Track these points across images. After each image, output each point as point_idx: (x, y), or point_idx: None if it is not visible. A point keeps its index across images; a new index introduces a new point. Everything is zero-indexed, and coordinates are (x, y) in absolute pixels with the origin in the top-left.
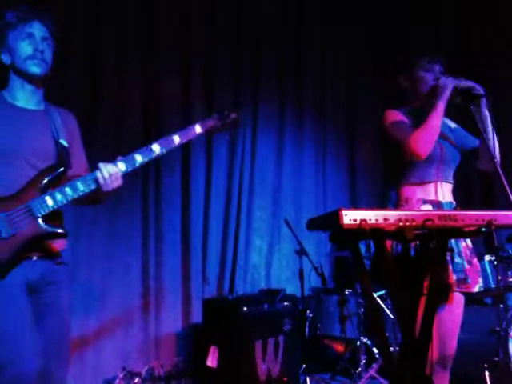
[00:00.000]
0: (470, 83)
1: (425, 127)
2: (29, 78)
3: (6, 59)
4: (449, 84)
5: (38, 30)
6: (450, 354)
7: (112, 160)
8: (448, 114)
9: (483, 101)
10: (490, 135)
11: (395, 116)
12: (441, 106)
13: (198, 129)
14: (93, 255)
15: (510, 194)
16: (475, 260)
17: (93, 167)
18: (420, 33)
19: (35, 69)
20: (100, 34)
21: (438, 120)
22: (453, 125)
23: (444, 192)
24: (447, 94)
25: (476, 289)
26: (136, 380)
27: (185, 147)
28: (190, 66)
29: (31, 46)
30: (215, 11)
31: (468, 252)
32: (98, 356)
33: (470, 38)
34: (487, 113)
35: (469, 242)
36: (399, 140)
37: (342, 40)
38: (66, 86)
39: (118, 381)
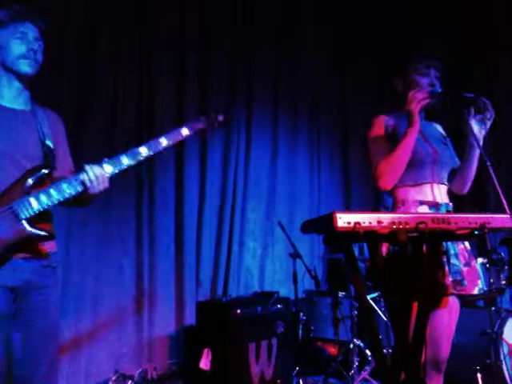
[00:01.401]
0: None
1: (390, 160)
2: (19, 77)
3: None
4: (415, 104)
5: (30, 30)
6: (444, 358)
7: (99, 161)
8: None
9: (471, 111)
10: (479, 143)
11: (379, 130)
12: (411, 134)
13: (184, 131)
14: (86, 257)
15: (502, 197)
16: (474, 262)
17: (79, 169)
18: (419, 34)
19: (27, 68)
20: (95, 34)
21: (405, 152)
22: (444, 134)
23: (441, 193)
24: (417, 118)
25: (475, 291)
26: (129, 383)
27: (178, 149)
28: (184, 66)
29: (25, 45)
30: (211, 11)
31: (466, 254)
32: (90, 358)
33: (470, 37)
34: (475, 126)
35: (467, 243)
36: (371, 163)
37: (337, 41)
38: (59, 86)
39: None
